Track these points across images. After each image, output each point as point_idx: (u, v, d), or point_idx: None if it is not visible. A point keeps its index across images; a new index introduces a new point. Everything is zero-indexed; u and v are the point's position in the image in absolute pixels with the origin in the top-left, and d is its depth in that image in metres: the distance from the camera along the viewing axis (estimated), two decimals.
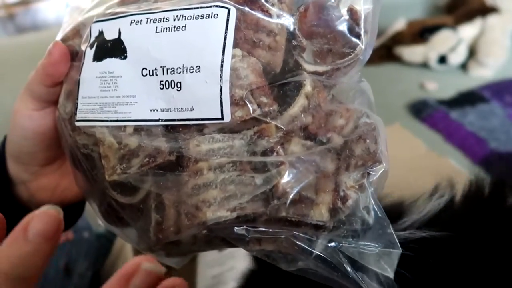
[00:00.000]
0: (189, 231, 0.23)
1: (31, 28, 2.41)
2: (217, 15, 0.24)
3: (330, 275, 0.24)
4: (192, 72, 0.24)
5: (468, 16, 1.40)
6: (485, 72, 1.35)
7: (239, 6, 0.25)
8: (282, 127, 0.24)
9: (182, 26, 0.25)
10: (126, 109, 0.25)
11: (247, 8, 0.25)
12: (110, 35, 0.27)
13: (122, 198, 0.25)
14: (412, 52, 1.38)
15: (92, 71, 0.27)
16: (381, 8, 0.28)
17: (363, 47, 0.26)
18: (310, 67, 0.26)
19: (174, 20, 0.25)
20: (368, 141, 0.25)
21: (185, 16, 0.25)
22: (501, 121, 1.14)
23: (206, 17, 0.25)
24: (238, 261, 0.64)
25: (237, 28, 0.24)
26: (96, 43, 0.27)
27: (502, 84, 1.28)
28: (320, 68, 0.26)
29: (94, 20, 0.28)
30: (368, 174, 0.25)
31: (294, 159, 0.24)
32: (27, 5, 2.76)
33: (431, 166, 0.77)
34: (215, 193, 0.22)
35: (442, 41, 1.36)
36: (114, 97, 0.26)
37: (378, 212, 0.25)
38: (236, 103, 0.23)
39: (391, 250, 0.24)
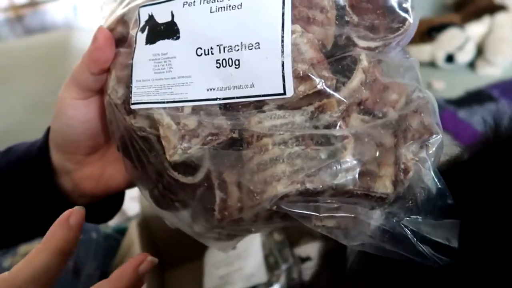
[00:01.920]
0: (257, 208, 0.23)
1: (39, 29, 2.41)
2: None
3: (394, 248, 0.25)
4: (251, 49, 0.24)
5: (476, 15, 1.38)
6: (493, 71, 1.33)
7: None
8: (345, 100, 0.24)
9: (238, 5, 0.25)
10: (182, 89, 0.25)
11: None
12: (161, 18, 0.27)
13: (184, 178, 0.25)
14: (419, 51, 1.37)
15: (145, 54, 0.27)
16: None
17: (411, 21, 0.26)
18: (363, 43, 0.26)
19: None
20: (423, 114, 0.26)
21: None
22: None
23: None
24: (246, 261, 0.64)
25: (292, 5, 0.24)
26: (147, 27, 0.27)
27: (511, 83, 1.26)
28: (372, 44, 0.26)
29: (141, 5, 0.28)
30: (426, 145, 0.25)
31: (357, 132, 0.24)
32: (35, 7, 2.75)
33: None
34: (283, 167, 0.22)
35: (449, 39, 1.34)
36: (169, 78, 0.26)
37: (438, 183, 0.25)
38: (299, 77, 0.23)
39: (453, 220, 0.25)
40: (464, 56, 1.35)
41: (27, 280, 0.22)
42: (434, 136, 0.25)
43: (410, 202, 0.25)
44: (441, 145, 0.25)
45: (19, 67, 2.00)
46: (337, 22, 0.26)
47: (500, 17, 1.37)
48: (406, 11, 0.26)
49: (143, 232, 0.66)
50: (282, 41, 0.24)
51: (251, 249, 0.66)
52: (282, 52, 0.23)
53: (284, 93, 0.23)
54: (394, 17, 0.26)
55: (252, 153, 0.23)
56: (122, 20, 0.29)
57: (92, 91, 0.30)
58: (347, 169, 0.23)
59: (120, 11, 0.29)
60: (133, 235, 0.65)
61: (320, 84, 0.23)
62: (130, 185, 0.34)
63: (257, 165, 0.23)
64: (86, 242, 0.67)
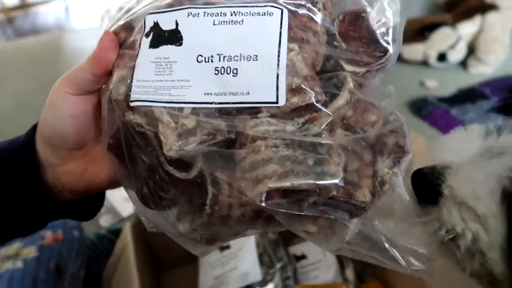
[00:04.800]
0: (247, 205, 0.25)
1: (30, 31, 2.36)
2: (272, 14, 0.27)
3: (369, 252, 0.27)
4: (249, 60, 0.26)
5: (468, 14, 1.40)
6: (485, 69, 1.36)
7: (290, 8, 0.28)
8: (331, 114, 0.26)
9: (240, 21, 0.27)
10: (180, 92, 0.27)
11: (298, 11, 0.28)
12: (166, 25, 0.29)
13: (178, 173, 0.26)
14: (411, 50, 1.39)
15: (147, 57, 0.28)
16: None
17: (391, 52, 0.30)
18: (349, 67, 0.29)
19: (231, 15, 0.28)
20: (398, 135, 0.29)
21: (241, 12, 0.28)
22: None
23: (262, 15, 0.27)
24: (240, 261, 0.64)
25: (289, 26, 0.27)
26: (152, 33, 0.29)
27: (503, 81, 1.28)
28: (357, 69, 0.29)
29: (149, 12, 0.30)
30: (399, 162, 0.28)
31: (341, 144, 0.26)
32: (26, 9, 2.70)
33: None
34: (274, 167, 0.24)
35: (441, 38, 1.37)
36: (168, 81, 0.27)
37: (407, 196, 0.28)
38: (293, 89, 0.26)
39: (420, 229, 0.27)
40: (456, 55, 1.39)
41: None
42: (407, 154, 0.28)
43: (385, 210, 0.27)
44: (411, 163, 0.28)
45: (10, 69, 1.96)
46: (327, 45, 0.29)
47: (491, 16, 1.40)
48: (388, 42, 0.30)
49: (137, 234, 0.66)
50: (279, 56, 0.26)
51: (246, 248, 0.67)
52: (278, 65, 0.26)
53: (277, 102, 0.26)
54: (377, 47, 0.30)
55: (245, 153, 0.25)
56: (128, 26, 0.31)
57: (85, 91, 0.31)
58: (332, 174, 0.25)
59: (126, 18, 0.31)
60: (127, 237, 0.64)
61: (312, 98, 0.26)
62: (112, 185, 0.34)
63: (250, 164, 0.25)
64: (68, 241, 0.66)
